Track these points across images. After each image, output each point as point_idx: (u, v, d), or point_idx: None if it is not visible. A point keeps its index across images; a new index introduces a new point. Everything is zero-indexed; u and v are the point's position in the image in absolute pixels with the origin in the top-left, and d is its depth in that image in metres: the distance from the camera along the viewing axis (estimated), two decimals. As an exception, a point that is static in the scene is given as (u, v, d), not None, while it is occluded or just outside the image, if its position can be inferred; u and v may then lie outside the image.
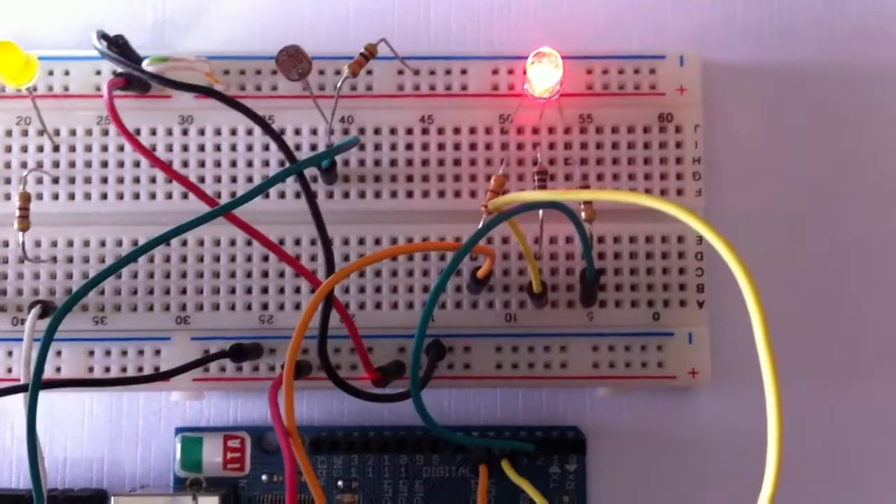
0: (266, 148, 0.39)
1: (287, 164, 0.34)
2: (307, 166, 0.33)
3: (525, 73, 0.37)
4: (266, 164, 0.39)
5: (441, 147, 0.40)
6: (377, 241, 0.39)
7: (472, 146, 0.40)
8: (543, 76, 0.36)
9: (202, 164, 0.39)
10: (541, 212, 0.37)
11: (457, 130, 0.40)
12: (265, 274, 0.39)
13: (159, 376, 0.36)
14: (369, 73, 0.40)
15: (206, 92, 0.35)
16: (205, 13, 0.42)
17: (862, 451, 0.40)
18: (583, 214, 0.37)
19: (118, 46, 0.37)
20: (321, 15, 0.42)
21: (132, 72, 0.36)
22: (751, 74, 0.42)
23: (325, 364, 0.33)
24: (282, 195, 0.39)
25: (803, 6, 0.42)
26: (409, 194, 0.40)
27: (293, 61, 0.34)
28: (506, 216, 0.32)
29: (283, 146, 0.33)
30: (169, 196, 0.39)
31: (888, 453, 0.40)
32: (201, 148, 0.40)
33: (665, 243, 0.39)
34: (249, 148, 0.39)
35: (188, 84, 0.35)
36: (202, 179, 0.39)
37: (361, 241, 0.39)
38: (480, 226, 0.33)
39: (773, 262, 0.41)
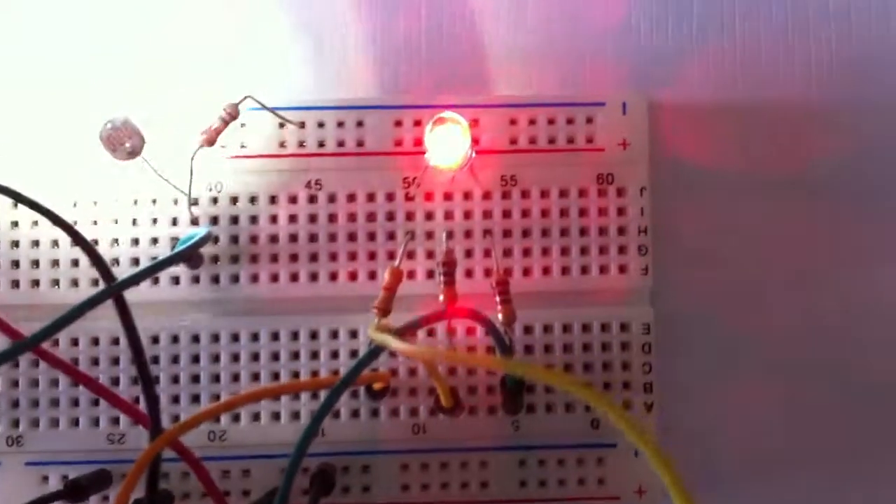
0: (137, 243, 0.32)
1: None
2: (131, 285, 0.25)
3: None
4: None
5: (332, 219, 0.32)
6: (254, 337, 0.32)
7: (371, 217, 0.32)
8: (446, 145, 0.29)
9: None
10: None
11: (351, 198, 0.33)
12: (115, 381, 0.32)
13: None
14: (242, 125, 0.32)
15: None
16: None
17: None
18: (500, 316, 0.30)
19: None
20: (183, 62, 0.34)
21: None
22: (708, 118, 0.35)
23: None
24: (156, 281, 0.32)
25: (766, 42, 0.35)
26: (294, 278, 0.32)
27: (119, 136, 0.26)
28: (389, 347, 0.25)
29: (95, 259, 0.25)
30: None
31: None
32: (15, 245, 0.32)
33: (605, 332, 0.33)
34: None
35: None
36: (36, 283, 0.32)
37: (235, 338, 0.32)
38: (360, 355, 0.27)
39: (737, 351, 0.34)
